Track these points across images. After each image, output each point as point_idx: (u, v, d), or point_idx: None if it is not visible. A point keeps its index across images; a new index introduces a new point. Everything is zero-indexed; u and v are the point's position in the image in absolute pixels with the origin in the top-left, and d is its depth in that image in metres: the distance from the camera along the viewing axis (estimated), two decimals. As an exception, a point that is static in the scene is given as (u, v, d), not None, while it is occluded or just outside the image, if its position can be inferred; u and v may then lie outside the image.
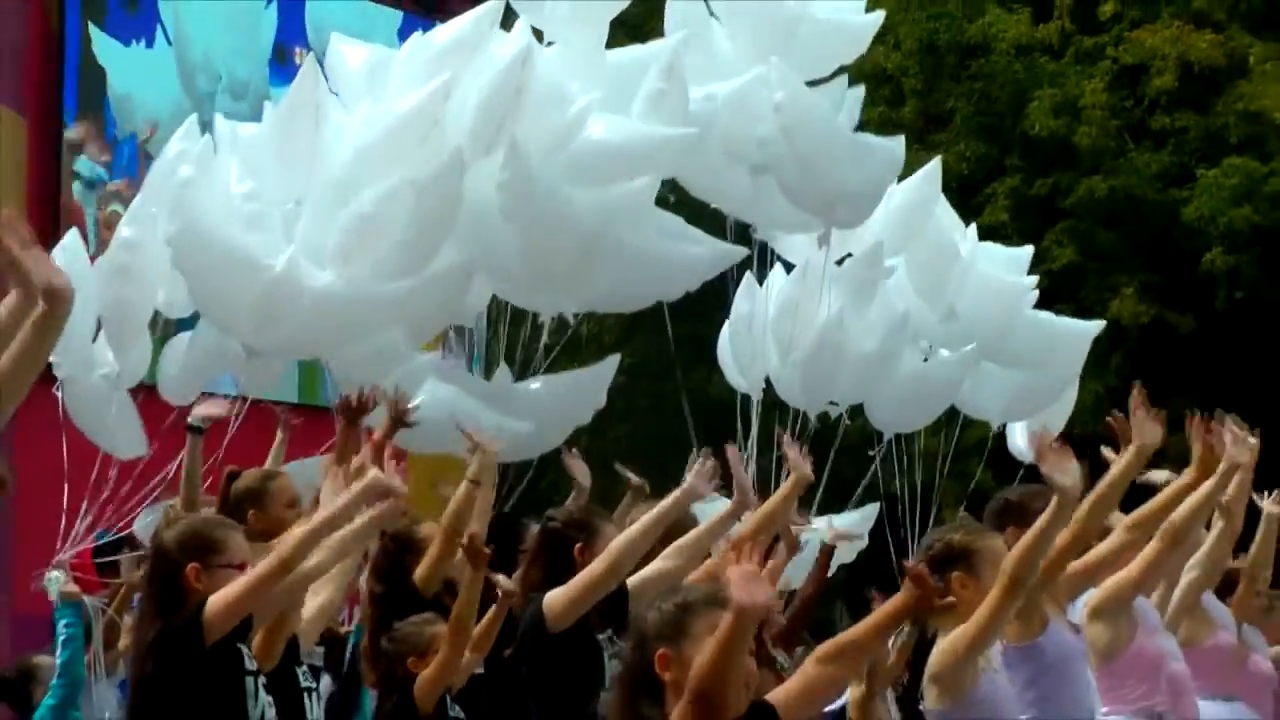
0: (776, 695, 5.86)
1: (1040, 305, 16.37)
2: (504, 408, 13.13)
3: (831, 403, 15.13)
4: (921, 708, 8.54)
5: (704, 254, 13.45)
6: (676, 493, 10.00)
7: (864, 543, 15.59)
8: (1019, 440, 16.48)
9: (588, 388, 14.02)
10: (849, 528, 14.94)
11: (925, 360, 15.89)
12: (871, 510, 15.94)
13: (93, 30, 23.78)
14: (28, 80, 22.32)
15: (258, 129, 13.31)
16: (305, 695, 8.41)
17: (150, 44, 25.03)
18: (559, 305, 13.52)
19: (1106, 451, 9.88)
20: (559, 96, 12.53)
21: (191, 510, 9.01)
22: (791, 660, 13.42)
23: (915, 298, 15.10)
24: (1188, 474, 9.61)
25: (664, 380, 29.54)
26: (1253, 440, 10.34)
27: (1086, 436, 10.58)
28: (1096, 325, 17.19)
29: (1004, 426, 17.07)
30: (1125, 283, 26.08)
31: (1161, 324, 29.78)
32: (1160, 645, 10.21)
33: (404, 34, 24.96)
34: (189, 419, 11.05)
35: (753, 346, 15.09)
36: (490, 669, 9.79)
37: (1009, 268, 16.22)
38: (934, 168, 15.72)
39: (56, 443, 12.61)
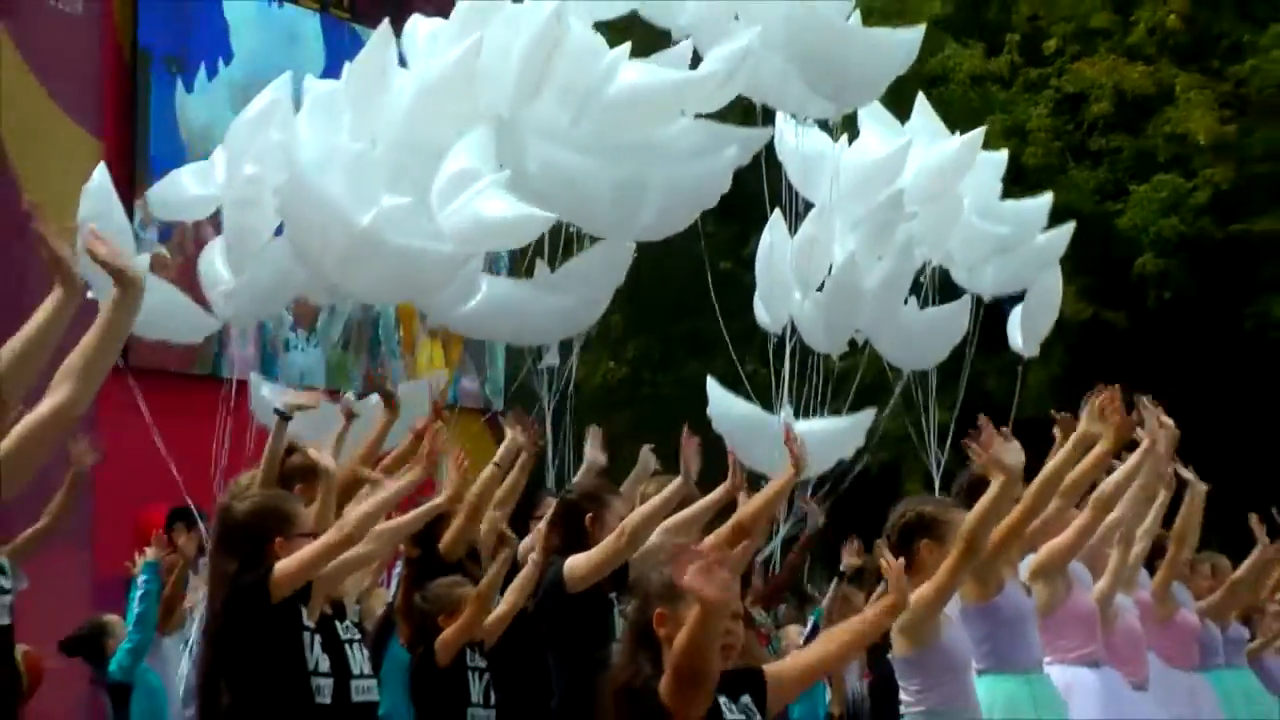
0: (771, 668, 6.13)
1: (994, 300, 16.67)
2: (551, 288, 13.47)
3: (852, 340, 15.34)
4: (890, 656, 8.60)
5: (733, 154, 13.30)
6: (680, 478, 9.98)
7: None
8: (1016, 336, 17.09)
9: (612, 263, 13.76)
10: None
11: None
12: (866, 415, 15.84)
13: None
14: (105, 104, 21.96)
15: (336, 86, 13.45)
16: (348, 646, 8.47)
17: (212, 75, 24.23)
18: (618, 235, 13.66)
19: (1057, 432, 9.93)
20: (591, 49, 12.62)
21: (268, 487, 8.71)
22: (768, 617, 13.67)
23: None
24: (1102, 445, 9.58)
25: (663, 371, 29.73)
26: (1170, 423, 10.67)
27: (1034, 419, 10.76)
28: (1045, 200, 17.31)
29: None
30: (1067, 284, 26.31)
31: (1099, 321, 29.95)
32: (1090, 602, 10.43)
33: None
34: (276, 406, 10.72)
35: (773, 283, 15.30)
36: (512, 625, 9.79)
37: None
38: (976, 136, 16.28)
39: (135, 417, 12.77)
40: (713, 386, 15.50)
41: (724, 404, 15.31)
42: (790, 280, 14.91)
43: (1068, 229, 17.24)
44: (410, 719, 10.16)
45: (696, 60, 13.63)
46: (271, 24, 24.82)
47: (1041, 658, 9.29)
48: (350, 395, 12.52)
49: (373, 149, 12.80)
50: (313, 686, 7.75)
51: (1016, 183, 31.29)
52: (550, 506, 10.78)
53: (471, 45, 12.70)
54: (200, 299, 13.77)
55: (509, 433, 11.13)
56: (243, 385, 12.61)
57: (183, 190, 13.39)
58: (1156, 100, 31.35)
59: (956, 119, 32.55)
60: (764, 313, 15.63)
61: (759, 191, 14.92)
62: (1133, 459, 10.38)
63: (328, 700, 7.85)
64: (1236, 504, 13.87)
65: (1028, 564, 9.69)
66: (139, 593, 11.48)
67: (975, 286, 16.42)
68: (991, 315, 17.15)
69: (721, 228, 28.63)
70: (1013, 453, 8.43)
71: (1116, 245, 30.80)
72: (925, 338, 15.92)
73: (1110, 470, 10.21)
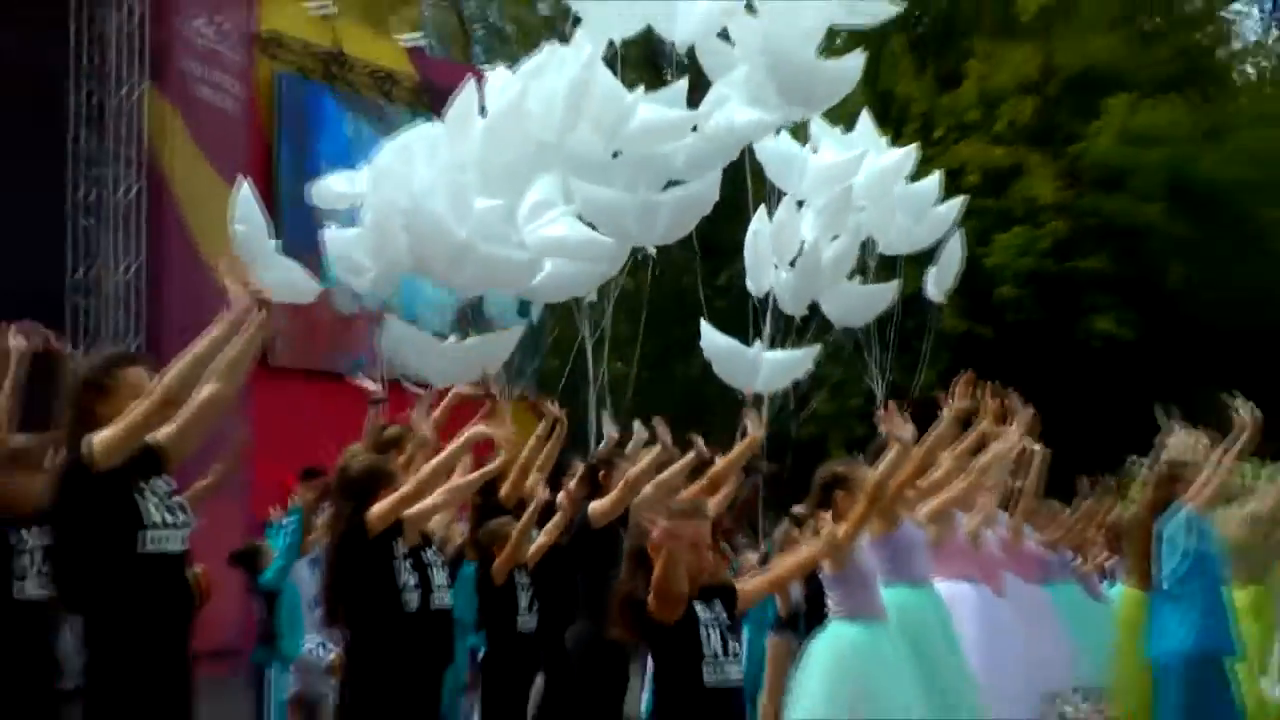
0: (739, 585, 6.58)
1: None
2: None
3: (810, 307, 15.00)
4: (820, 575, 8.64)
5: (717, 176, 13.44)
6: (659, 446, 10.04)
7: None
8: (930, 287, 16.40)
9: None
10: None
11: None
12: (813, 350, 15.29)
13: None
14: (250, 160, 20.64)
15: (435, 128, 13.36)
16: (430, 567, 8.47)
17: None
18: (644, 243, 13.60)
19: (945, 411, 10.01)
20: (615, 93, 12.77)
21: (372, 453, 8.61)
22: (730, 545, 14.07)
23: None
24: (983, 424, 10.27)
25: (660, 369, 30.11)
26: (1030, 409, 11.12)
27: (925, 400, 11.21)
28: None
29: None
30: (948, 308, 26.35)
31: (972, 334, 30.15)
32: (965, 537, 10.79)
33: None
34: (372, 395, 10.60)
35: (757, 260, 15.10)
36: (549, 554, 9.93)
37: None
38: (908, 154, 15.34)
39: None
40: (705, 328, 15.26)
41: (712, 338, 15.21)
42: (769, 257, 14.86)
43: (959, 200, 16.61)
44: (474, 621, 10.34)
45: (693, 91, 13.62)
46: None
47: (930, 575, 9.53)
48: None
49: (463, 174, 12.81)
50: (402, 599, 7.91)
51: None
52: (577, 469, 10.81)
53: (520, 89, 12.83)
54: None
55: (547, 413, 10.93)
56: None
57: (333, 188, 13.58)
58: (1013, 172, 31.89)
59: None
60: (750, 282, 15.41)
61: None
62: (1006, 440, 10.83)
63: (414, 608, 8.02)
64: (1069, 468, 14.42)
65: (928, 509, 9.87)
66: (289, 527, 11.72)
67: (896, 249, 15.95)
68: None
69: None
70: (907, 429, 8.82)
71: (984, 279, 30.76)
72: (859, 305, 15.68)
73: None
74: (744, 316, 15.28)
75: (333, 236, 13.31)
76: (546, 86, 12.73)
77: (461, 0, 37.85)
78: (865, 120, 14.53)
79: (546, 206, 12.71)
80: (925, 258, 16.43)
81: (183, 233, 20.36)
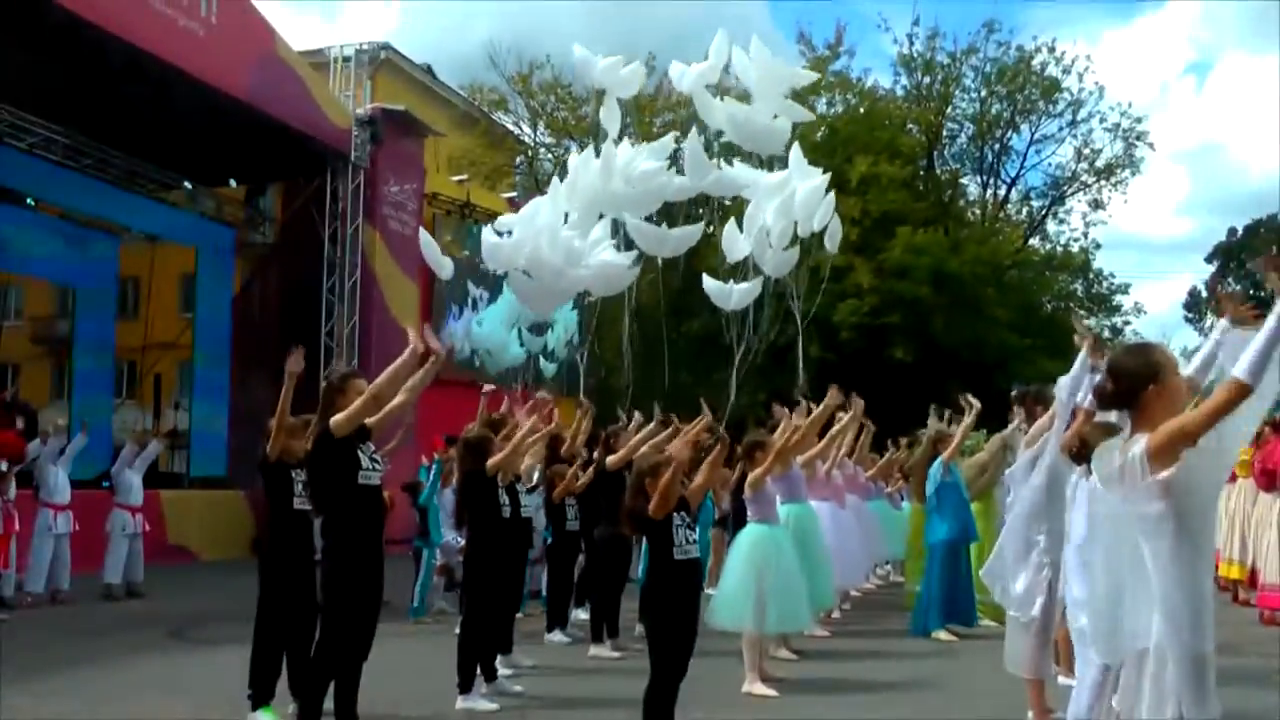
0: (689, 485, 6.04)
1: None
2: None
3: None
4: (744, 496, 8.44)
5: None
6: (653, 423, 9.53)
7: None
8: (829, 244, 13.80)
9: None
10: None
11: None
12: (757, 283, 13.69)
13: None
14: (421, 272, 21.33)
15: (541, 200, 12.97)
16: (518, 494, 8.19)
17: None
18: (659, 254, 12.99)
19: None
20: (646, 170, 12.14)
21: (482, 429, 8.33)
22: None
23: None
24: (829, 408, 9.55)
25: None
26: (860, 401, 10.85)
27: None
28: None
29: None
30: (812, 344, 26.25)
31: (824, 358, 29.45)
32: (823, 475, 10.78)
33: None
34: (483, 390, 9.80)
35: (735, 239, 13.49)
36: (587, 488, 9.51)
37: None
38: (821, 182, 13.16)
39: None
40: (706, 280, 14.12)
41: (709, 285, 14.11)
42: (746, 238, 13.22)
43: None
44: (549, 530, 10.07)
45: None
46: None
47: (806, 497, 9.35)
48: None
49: (563, 222, 12.41)
50: (502, 513, 7.67)
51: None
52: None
53: (578, 163, 12.55)
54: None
55: (584, 406, 10.64)
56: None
57: (488, 239, 12.86)
58: (847, 269, 31.15)
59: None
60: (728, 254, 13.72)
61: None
62: (847, 418, 10.70)
63: (508, 516, 7.75)
64: (882, 435, 14.24)
65: (803, 458, 9.56)
66: (434, 471, 11.44)
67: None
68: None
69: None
70: (795, 417, 9.13)
71: (832, 327, 30.55)
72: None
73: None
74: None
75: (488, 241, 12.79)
76: (589, 165, 12.35)
77: (539, 172, 37.92)
78: (795, 153, 13.02)
79: (599, 242, 12.48)
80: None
81: (382, 304, 20.46)
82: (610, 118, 12.86)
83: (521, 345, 23.18)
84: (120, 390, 23.93)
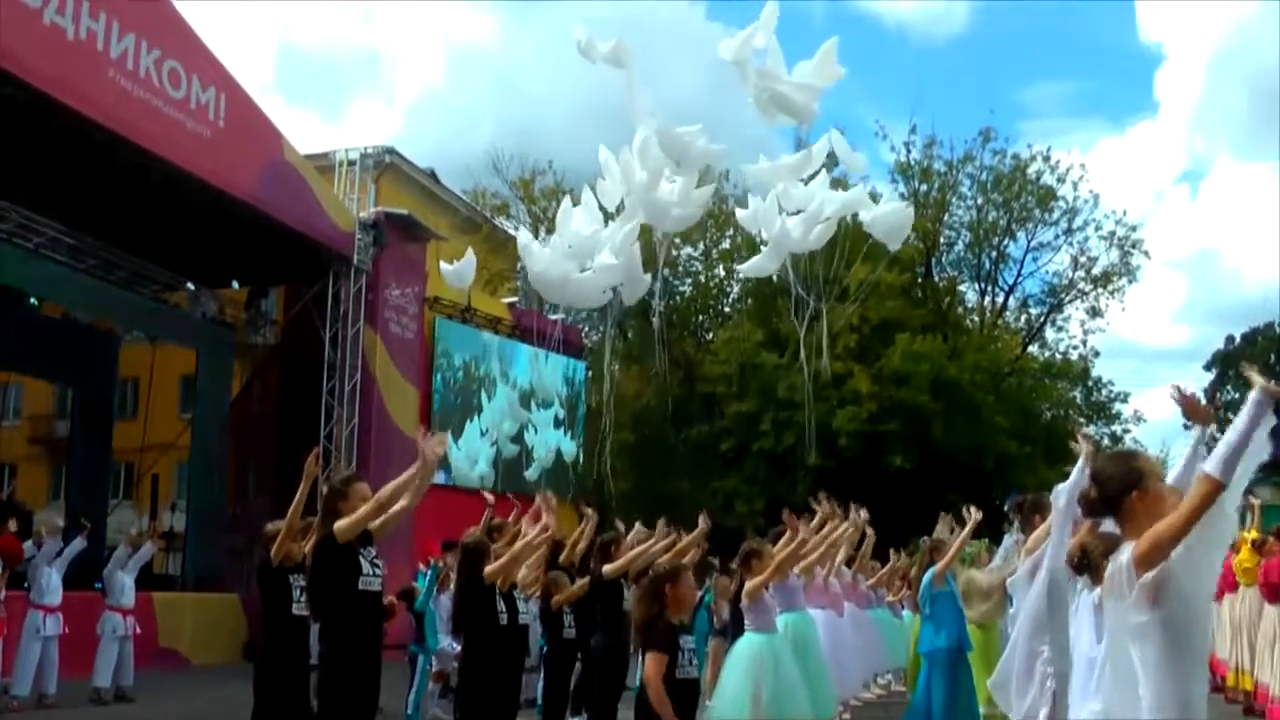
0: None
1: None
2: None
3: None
4: (741, 605, 8.34)
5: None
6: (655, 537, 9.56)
7: None
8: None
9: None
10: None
11: None
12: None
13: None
14: (420, 375, 22.14)
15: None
16: (517, 600, 8.02)
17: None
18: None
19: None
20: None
21: (481, 534, 8.30)
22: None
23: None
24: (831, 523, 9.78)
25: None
26: (863, 509, 10.97)
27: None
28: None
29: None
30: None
31: (824, 465, 29.10)
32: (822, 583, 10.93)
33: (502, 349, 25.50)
34: (487, 498, 9.85)
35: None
36: (583, 596, 9.29)
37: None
38: (860, 193, 12.78)
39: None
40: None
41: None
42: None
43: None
44: (545, 638, 9.95)
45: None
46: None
47: (804, 605, 9.31)
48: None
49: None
50: (499, 620, 7.49)
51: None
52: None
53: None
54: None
55: (585, 513, 10.53)
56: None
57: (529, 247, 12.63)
58: (846, 376, 31.42)
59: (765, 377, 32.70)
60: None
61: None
62: (844, 526, 10.60)
63: (505, 623, 7.56)
64: (883, 543, 14.24)
65: (799, 566, 9.32)
66: (430, 575, 11.40)
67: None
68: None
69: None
70: (804, 530, 9.38)
71: (831, 434, 30.59)
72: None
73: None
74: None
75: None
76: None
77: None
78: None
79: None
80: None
81: (382, 407, 20.46)
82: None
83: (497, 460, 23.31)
84: (117, 491, 23.87)
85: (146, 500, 23.61)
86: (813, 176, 12.36)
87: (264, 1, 71.50)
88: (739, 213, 13.17)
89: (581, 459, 27.66)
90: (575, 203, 13.13)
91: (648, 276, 12.70)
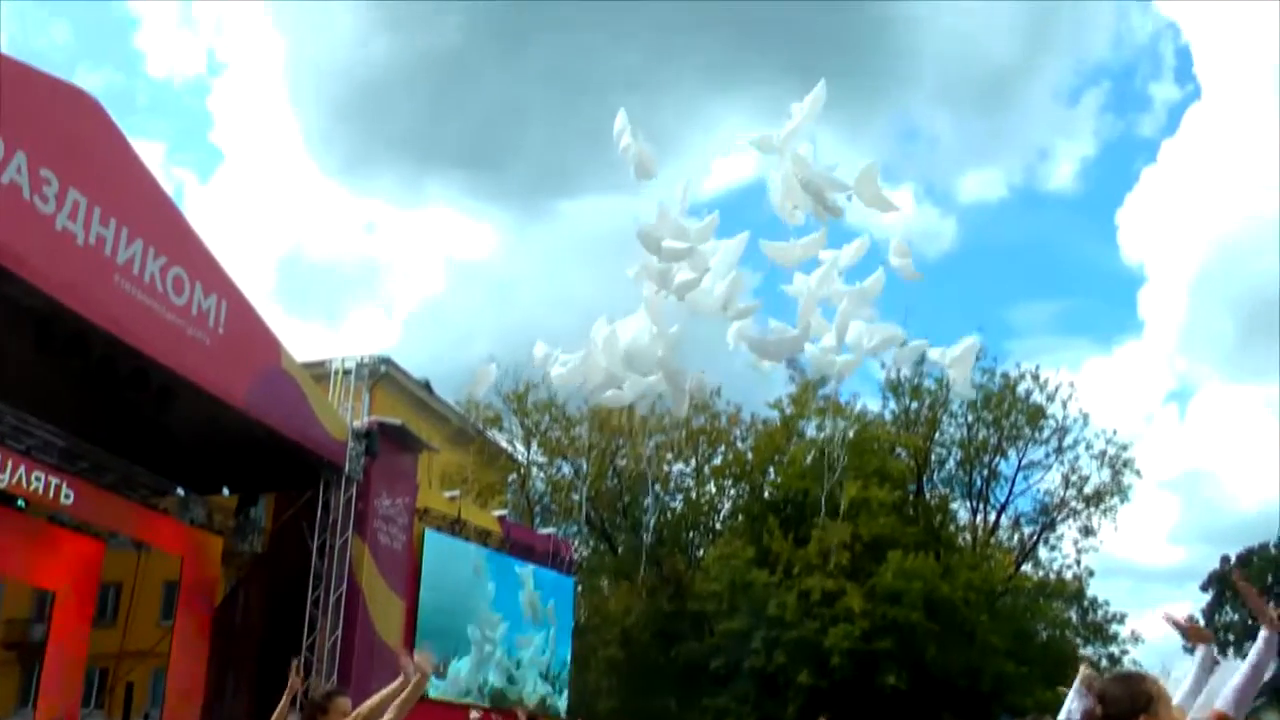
0: None
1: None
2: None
3: None
4: None
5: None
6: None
7: None
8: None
9: None
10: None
11: None
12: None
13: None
14: (407, 589, 21.95)
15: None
16: None
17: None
18: None
19: None
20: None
21: None
22: None
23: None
24: None
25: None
26: None
27: None
28: None
29: None
30: (801, 670, 25.64)
31: (815, 685, 29.32)
32: None
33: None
34: (471, 713, 9.84)
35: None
36: None
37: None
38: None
39: None
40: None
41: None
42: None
43: None
44: None
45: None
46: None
47: None
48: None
49: None
50: None
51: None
52: None
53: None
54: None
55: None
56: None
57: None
58: (838, 593, 31.29)
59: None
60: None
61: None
62: None
63: None
64: None
65: None
66: None
67: None
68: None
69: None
70: None
71: (823, 653, 30.43)
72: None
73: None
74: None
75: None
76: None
77: (531, 491, 38.22)
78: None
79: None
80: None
81: (367, 619, 20.20)
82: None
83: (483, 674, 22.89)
84: (89, 699, 23.23)
85: (119, 710, 22.99)
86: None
87: (270, 211, 73.59)
88: None
89: (571, 675, 27.20)
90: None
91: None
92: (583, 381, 11.39)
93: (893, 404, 38.30)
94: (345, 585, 19.80)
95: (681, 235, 10.20)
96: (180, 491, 20.69)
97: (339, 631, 19.61)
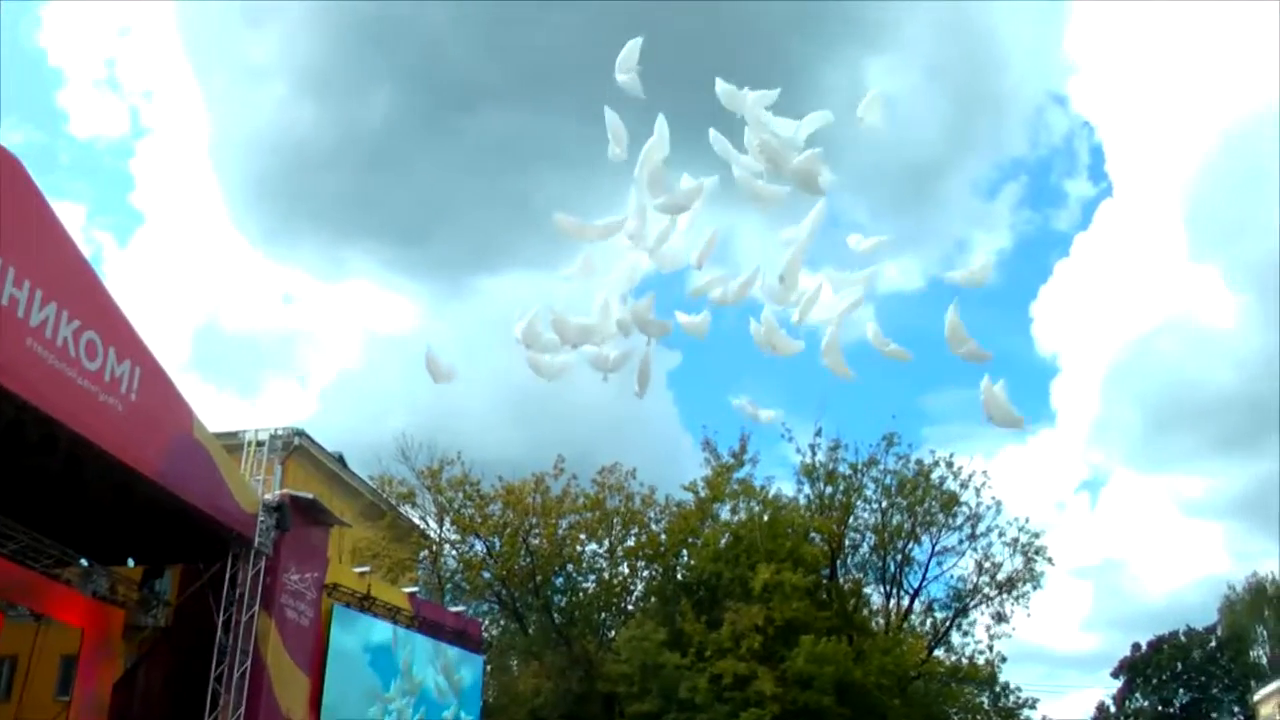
0: None
1: None
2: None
3: None
4: None
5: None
6: None
7: None
8: None
9: None
10: None
11: None
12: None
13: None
14: (313, 660, 21.57)
15: None
16: None
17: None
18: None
19: None
20: None
21: None
22: None
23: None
24: None
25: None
26: None
27: None
28: None
29: None
30: None
31: None
32: None
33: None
34: None
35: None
36: None
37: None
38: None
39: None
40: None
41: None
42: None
43: None
44: None
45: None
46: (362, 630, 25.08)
47: None
48: None
49: None
50: None
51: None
52: None
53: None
54: None
55: None
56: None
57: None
58: (750, 677, 31.47)
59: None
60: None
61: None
62: None
63: None
64: None
65: None
66: None
67: None
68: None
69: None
70: None
71: None
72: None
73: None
74: None
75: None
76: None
77: (443, 568, 38.03)
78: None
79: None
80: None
81: (270, 696, 19.93)
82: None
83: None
84: (-24, 782, 22.59)
85: (7, 792, 22.33)
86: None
87: (189, 277, 72.95)
88: None
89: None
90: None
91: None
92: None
93: (807, 489, 38.81)
94: (250, 661, 19.42)
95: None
96: (84, 562, 20.36)
97: (242, 709, 19.22)
